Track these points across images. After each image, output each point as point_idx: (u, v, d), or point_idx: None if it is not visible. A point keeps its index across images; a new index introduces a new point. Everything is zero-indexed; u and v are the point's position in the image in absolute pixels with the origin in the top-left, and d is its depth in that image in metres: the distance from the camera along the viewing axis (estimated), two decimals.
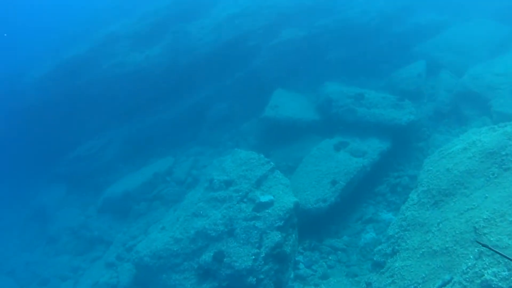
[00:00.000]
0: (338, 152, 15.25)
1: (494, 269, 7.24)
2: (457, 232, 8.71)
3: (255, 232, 12.15)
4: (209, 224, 12.83)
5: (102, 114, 22.02)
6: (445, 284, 7.99)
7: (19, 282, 17.45)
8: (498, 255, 7.28)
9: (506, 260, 7.10)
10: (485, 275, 7.24)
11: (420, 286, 8.48)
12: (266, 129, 18.48)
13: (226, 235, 12.51)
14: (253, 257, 11.73)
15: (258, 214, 12.59)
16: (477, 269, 7.55)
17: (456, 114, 17.13)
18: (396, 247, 10.11)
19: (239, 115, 21.14)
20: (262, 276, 11.73)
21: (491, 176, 9.65)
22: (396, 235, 10.46)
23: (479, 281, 7.30)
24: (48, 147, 22.36)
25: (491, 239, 7.78)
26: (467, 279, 7.55)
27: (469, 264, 7.81)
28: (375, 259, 10.66)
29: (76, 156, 21.60)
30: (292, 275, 12.73)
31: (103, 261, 16.36)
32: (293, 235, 12.92)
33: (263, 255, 11.82)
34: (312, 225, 13.84)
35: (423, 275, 8.61)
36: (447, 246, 8.64)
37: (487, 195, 9.10)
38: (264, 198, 12.93)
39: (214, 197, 13.87)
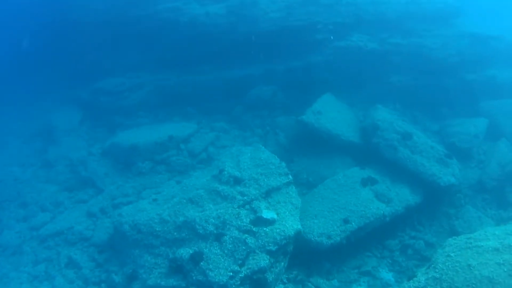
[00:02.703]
0: (364, 187, 13.90)
1: None
2: None
3: (244, 248, 11.00)
4: (200, 218, 11.76)
5: (142, 54, 20.98)
6: None
7: (1, 196, 16.98)
8: None
9: None
10: None
11: None
12: (300, 132, 17.12)
13: (213, 237, 11.44)
14: (231, 273, 10.61)
15: (254, 229, 11.40)
16: None
17: (500, 194, 15.34)
18: None
19: (279, 105, 19.81)
20: None
21: None
22: None
23: None
24: (77, 69, 21.49)
25: None
26: None
27: None
28: None
29: (102, 87, 20.73)
30: None
31: (86, 208, 15.59)
32: (282, 264, 11.67)
33: (242, 275, 10.67)
34: (306, 255, 12.62)
35: None
36: None
37: None
38: (267, 214, 11.71)
39: (217, 190, 12.77)
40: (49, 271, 13.66)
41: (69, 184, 17.13)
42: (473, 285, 8.53)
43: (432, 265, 9.62)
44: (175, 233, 11.89)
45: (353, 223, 12.62)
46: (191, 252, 11.20)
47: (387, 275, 12.69)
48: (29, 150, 19.71)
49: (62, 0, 22.02)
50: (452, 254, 9.64)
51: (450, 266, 9.26)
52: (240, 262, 10.81)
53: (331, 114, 16.87)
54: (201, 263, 10.86)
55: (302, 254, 12.50)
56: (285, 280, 12.25)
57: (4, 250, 14.72)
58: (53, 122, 20.12)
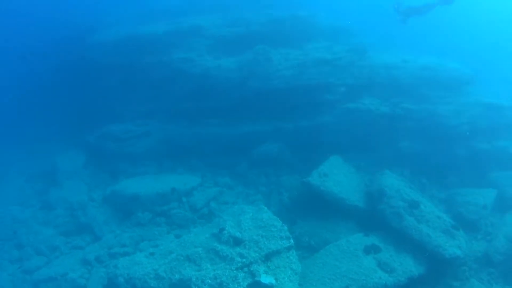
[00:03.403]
0: (367, 255, 13.54)
1: None
2: None
3: None
4: (196, 278, 11.40)
5: (153, 102, 21.05)
6: None
7: None
8: None
9: None
10: None
11: None
12: (304, 193, 16.81)
13: None
14: None
15: None
16: None
17: (507, 269, 14.86)
18: None
19: (285, 163, 19.66)
20: None
21: None
22: None
23: None
24: (86, 112, 21.60)
25: None
26: None
27: None
28: None
29: (109, 132, 20.77)
30: None
31: (82, 255, 15.31)
32: None
33: None
34: None
35: None
36: None
37: None
38: (265, 279, 11.36)
39: (216, 250, 12.41)
40: None
41: (67, 229, 16.89)
42: None
43: None
44: None
45: None
46: None
47: None
48: (30, 190, 19.65)
49: (77, 40, 22.31)
50: None
51: None
52: None
53: (337, 177, 16.65)
54: None
55: None
56: None
57: None
58: (57, 164, 20.07)
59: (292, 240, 12.88)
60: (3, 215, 17.77)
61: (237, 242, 12.57)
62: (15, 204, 18.64)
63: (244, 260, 11.92)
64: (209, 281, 11.28)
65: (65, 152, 21.08)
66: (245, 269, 11.75)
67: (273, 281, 11.40)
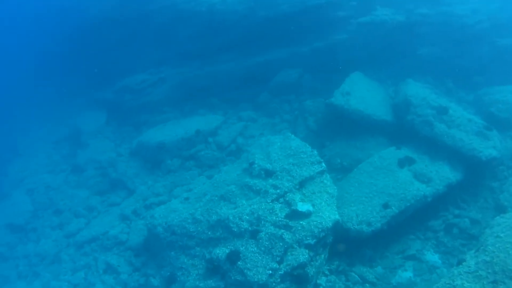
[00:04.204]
0: (401, 169, 13.27)
1: None
2: None
3: (281, 244, 10.57)
4: (233, 216, 11.37)
5: (162, 48, 20.65)
6: None
7: (34, 205, 17.06)
8: None
9: None
10: None
11: None
12: (330, 115, 16.43)
13: (249, 235, 11.05)
14: (270, 272, 10.22)
15: (290, 223, 10.95)
16: None
17: None
18: None
19: (306, 88, 19.20)
20: None
21: None
22: None
23: None
24: (99, 70, 21.33)
25: None
26: None
27: None
28: None
29: (125, 86, 20.55)
30: None
31: (119, 211, 15.47)
32: (322, 256, 11.27)
33: (281, 272, 10.30)
34: (346, 244, 12.15)
35: None
36: None
37: None
38: (302, 207, 11.25)
39: (249, 185, 12.33)
40: (88, 278, 13.60)
41: (100, 188, 17.04)
42: None
43: (482, 248, 9.07)
44: (209, 233, 11.58)
45: (393, 208, 12.04)
46: (227, 251, 10.86)
47: (433, 257, 12.14)
48: (58, 156, 19.75)
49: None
50: (501, 235, 9.09)
51: (501, 247, 8.71)
52: (278, 259, 10.41)
53: (360, 94, 16.16)
54: (239, 263, 10.50)
55: (343, 243, 12.03)
56: (327, 272, 11.82)
57: (43, 259, 14.79)
58: (79, 125, 20.10)
59: (323, 164, 12.71)
60: (37, 185, 17.97)
61: (269, 174, 12.44)
62: (46, 172, 18.77)
63: (278, 191, 11.82)
64: (247, 217, 11.25)
65: (85, 113, 21.02)
66: (281, 199, 11.67)
67: (311, 208, 11.31)
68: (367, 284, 11.57)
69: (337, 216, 11.41)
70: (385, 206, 12.08)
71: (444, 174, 13.03)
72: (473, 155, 13.23)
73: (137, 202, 15.49)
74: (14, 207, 17.01)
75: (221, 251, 10.94)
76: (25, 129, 22.14)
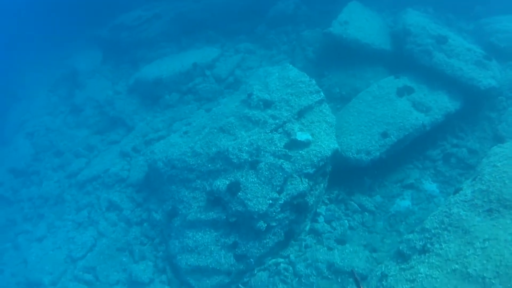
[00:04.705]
0: (400, 98, 13.11)
1: None
2: (502, 263, 6.83)
3: (281, 174, 10.58)
4: (233, 147, 11.32)
5: None
6: None
7: (35, 148, 17.21)
8: None
9: None
10: None
11: None
12: (328, 45, 16.10)
13: (248, 165, 11.04)
14: (270, 201, 10.31)
15: (289, 153, 10.94)
16: None
17: None
18: (429, 245, 8.35)
19: (303, 18, 18.69)
20: (274, 224, 10.50)
21: None
22: (433, 231, 8.62)
23: None
24: (93, 7, 20.72)
25: None
26: None
27: None
28: (400, 248, 8.97)
29: (120, 23, 20.08)
30: (308, 227, 11.37)
31: (119, 148, 15.53)
32: (322, 185, 11.35)
33: (281, 202, 10.39)
34: (345, 173, 12.21)
35: None
36: (485, 275, 6.82)
37: None
38: (301, 136, 11.19)
39: (248, 116, 12.24)
40: (92, 216, 13.87)
41: (100, 127, 17.07)
42: None
43: (478, 177, 9.07)
44: (209, 165, 11.59)
45: (392, 136, 11.98)
46: (227, 183, 10.90)
47: (431, 186, 12.22)
48: (56, 97, 19.66)
49: None
50: (498, 164, 9.04)
51: (497, 177, 8.68)
52: (278, 188, 10.47)
53: (358, 23, 15.77)
54: (239, 194, 10.58)
55: (342, 173, 12.10)
56: (326, 201, 11.95)
57: (47, 201, 15.00)
58: (76, 66, 19.78)
59: (322, 93, 12.58)
60: (37, 128, 18.02)
61: (267, 104, 12.33)
62: (45, 115, 18.76)
63: (277, 121, 11.74)
64: (246, 148, 11.21)
65: (81, 52, 20.61)
66: (280, 129, 11.60)
67: (310, 137, 11.25)
68: (366, 213, 11.74)
69: (336, 145, 11.39)
70: (384, 135, 12.02)
71: (442, 104, 12.87)
72: (472, 84, 13.02)
73: (137, 139, 15.50)
74: (16, 152, 17.13)
75: (221, 183, 10.97)
76: (22, 73, 21.85)
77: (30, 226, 14.46)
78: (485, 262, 7.01)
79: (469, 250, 7.50)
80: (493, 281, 6.62)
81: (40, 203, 15.11)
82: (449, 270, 7.36)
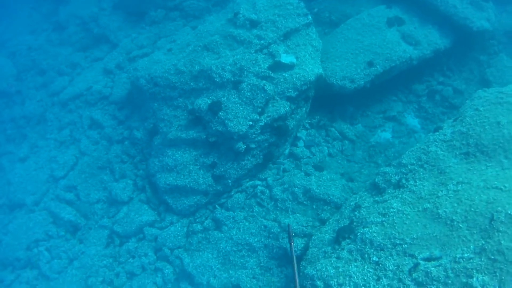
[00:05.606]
0: (390, 28, 12.79)
1: (486, 278, 5.79)
2: (472, 208, 6.81)
3: (262, 95, 10.42)
4: (216, 66, 11.08)
5: None
6: (430, 259, 6.51)
7: (17, 67, 16.86)
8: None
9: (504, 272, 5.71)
10: (474, 278, 5.85)
11: (406, 246, 6.89)
12: None
13: (231, 85, 10.87)
14: (251, 123, 10.21)
15: (272, 75, 10.73)
16: (469, 266, 6.03)
17: None
18: (404, 181, 8.40)
19: None
20: (253, 146, 10.47)
21: None
22: (409, 166, 8.66)
23: (464, 280, 5.91)
24: None
25: (502, 241, 6.05)
26: (454, 270, 6.10)
27: (465, 255, 6.21)
28: (376, 180, 9.02)
29: None
30: (287, 151, 11.39)
31: (103, 65, 15.26)
32: (303, 109, 11.26)
33: (262, 123, 10.30)
34: (328, 99, 12.18)
35: (415, 236, 6.96)
36: (453, 218, 6.83)
37: None
38: (286, 59, 10.98)
39: (233, 35, 11.92)
40: (74, 134, 13.81)
41: (83, 44, 16.69)
42: (501, 144, 7.92)
43: (460, 118, 9.02)
44: (192, 83, 11.40)
45: (378, 66, 11.79)
46: (209, 102, 10.76)
47: (413, 121, 12.26)
48: (38, 15, 19.16)
49: None
50: (481, 108, 8.92)
51: (478, 121, 8.60)
52: (259, 110, 10.35)
53: None
54: (220, 113, 10.45)
55: (325, 98, 12.04)
56: (307, 126, 11.90)
57: (29, 121, 14.93)
58: None
59: (310, 17, 12.26)
60: (19, 47, 17.60)
61: (254, 24, 12.02)
62: (28, 34, 18.32)
63: (262, 41, 11.48)
64: (229, 68, 10.99)
65: None
66: (264, 50, 11.36)
67: (294, 60, 11.05)
68: (346, 141, 11.77)
69: (321, 70, 11.22)
70: (370, 64, 11.83)
71: (432, 39, 12.58)
72: (465, 24, 12.66)
73: (121, 56, 15.20)
74: None
75: (203, 102, 10.82)
76: None
77: (13, 147, 14.35)
78: (455, 205, 7.00)
79: (442, 190, 7.51)
80: (461, 225, 6.63)
81: (23, 123, 14.98)
82: (420, 208, 7.39)
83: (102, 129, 13.33)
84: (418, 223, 7.08)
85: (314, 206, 10.05)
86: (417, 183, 8.03)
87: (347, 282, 6.91)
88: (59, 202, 12.16)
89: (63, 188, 12.40)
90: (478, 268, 5.92)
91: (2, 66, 16.84)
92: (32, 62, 16.69)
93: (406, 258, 6.71)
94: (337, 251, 7.67)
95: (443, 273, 6.13)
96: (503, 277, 5.69)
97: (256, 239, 9.83)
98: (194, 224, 10.75)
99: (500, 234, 6.15)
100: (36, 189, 12.65)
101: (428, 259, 6.51)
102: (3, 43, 18.18)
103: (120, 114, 13.43)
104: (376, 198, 8.48)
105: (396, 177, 8.60)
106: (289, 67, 10.89)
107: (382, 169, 9.19)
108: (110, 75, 14.69)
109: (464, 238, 6.44)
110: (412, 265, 6.53)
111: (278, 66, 10.90)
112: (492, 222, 6.33)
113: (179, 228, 10.75)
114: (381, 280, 6.65)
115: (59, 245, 11.47)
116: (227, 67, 10.99)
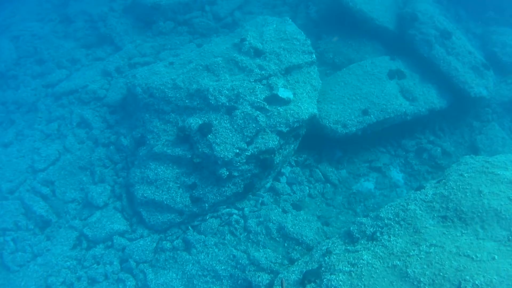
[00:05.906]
0: (390, 80, 12.93)
1: None
2: (440, 272, 6.81)
3: (254, 125, 10.45)
4: (213, 88, 11.10)
5: None
6: None
7: (18, 52, 16.67)
8: None
9: None
10: None
11: None
12: (333, 8, 15.64)
13: (225, 110, 10.90)
14: (237, 150, 10.24)
15: (267, 107, 10.77)
16: None
17: None
18: (378, 234, 8.38)
19: None
20: (236, 174, 10.45)
21: None
22: (386, 221, 8.61)
23: None
24: None
25: None
26: None
27: None
28: (351, 229, 8.97)
29: None
30: (268, 185, 11.40)
31: (103, 66, 15.13)
32: (292, 146, 11.28)
33: (248, 153, 10.33)
34: (318, 140, 12.19)
35: None
36: (421, 279, 6.82)
37: (496, 257, 6.97)
38: (283, 93, 11.01)
39: (236, 60, 11.96)
40: (61, 129, 13.67)
41: (87, 41, 16.59)
42: (479, 214, 7.88)
43: (443, 181, 9.03)
44: (186, 101, 11.39)
45: (372, 116, 11.89)
46: (200, 122, 10.75)
47: (397, 175, 12.30)
48: (48, 4, 19.02)
49: None
50: (465, 175, 8.93)
51: (460, 187, 8.59)
52: (248, 139, 10.37)
53: None
54: (209, 136, 10.45)
55: (315, 139, 12.05)
56: (293, 163, 11.93)
57: (20, 107, 14.78)
58: None
59: (314, 56, 12.35)
60: (23, 32, 17.41)
61: (258, 53, 12.06)
62: (35, 21, 18.16)
63: (263, 72, 11.51)
64: (226, 92, 11.00)
65: None
66: (264, 81, 11.40)
67: (291, 96, 11.07)
68: (328, 184, 11.83)
69: (315, 111, 11.25)
70: (365, 112, 11.92)
71: (430, 98, 12.76)
72: (463, 88, 12.88)
73: (122, 60, 15.13)
74: None
75: (194, 121, 10.81)
76: None
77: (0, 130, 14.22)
78: (425, 266, 7.00)
79: (414, 250, 7.48)
80: None
81: (13, 108, 14.82)
82: (390, 264, 7.36)
83: (90, 129, 13.24)
84: (385, 279, 7.05)
85: (286, 244, 10.00)
86: (391, 239, 8.00)
87: None
88: (34, 195, 12.00)
89: (40, 181, 12.23)
90: None
91: (3, 48, 16.70)
92: (33, 49, 16.55)
93: None
94: None
95: None
96: None
97: (222, 267, 9.74)
98: (164, 241, 10.64)
99: None
100: (14, 177, 12.45)
101: None
102: (9, 26, 18.05)
103: (111, 118, 13.35)
104: (348, 247, 8.44)
105: (371, 229, 8.57)
106: (285, 102, 10.91)
107: (359, 218, 9.15)
108: (108, 77, 14.61)
109: None
110: None
111: (274, 99, 10.92)
112: None
113: (149, 243, 10.64)
114: None
115: (26, 238, 11.31)
116: (224, 91, 11.01)
